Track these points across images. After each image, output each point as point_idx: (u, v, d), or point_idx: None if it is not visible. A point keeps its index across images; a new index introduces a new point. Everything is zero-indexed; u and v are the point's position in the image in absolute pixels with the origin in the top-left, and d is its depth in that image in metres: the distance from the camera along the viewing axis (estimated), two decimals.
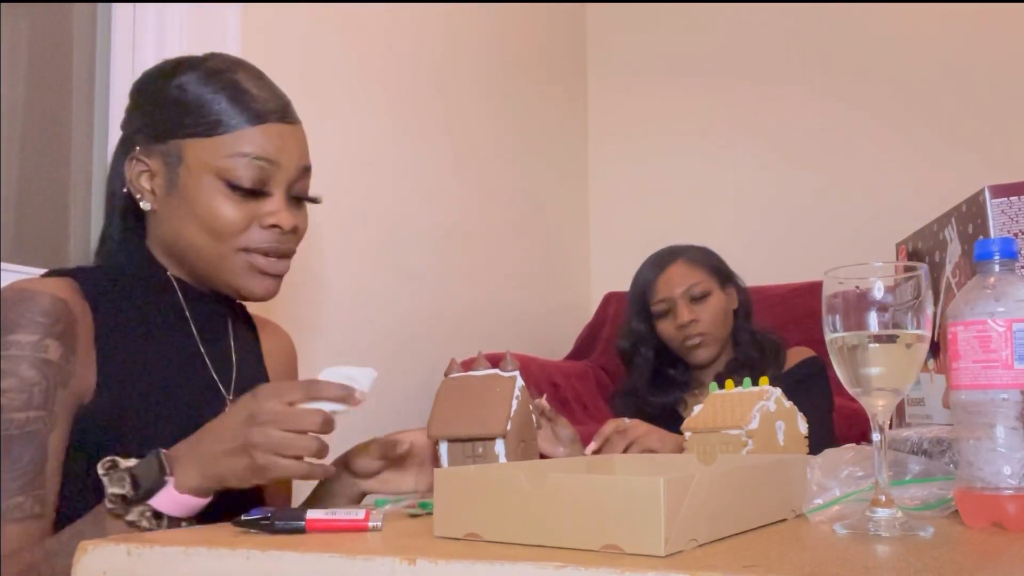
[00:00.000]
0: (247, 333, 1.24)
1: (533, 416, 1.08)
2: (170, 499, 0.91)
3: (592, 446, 1.41)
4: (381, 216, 2.16)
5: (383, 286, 2.16)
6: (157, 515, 0.92)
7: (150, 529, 0.91)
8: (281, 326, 1.35)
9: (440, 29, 2.42)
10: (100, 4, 1.66)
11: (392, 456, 1.15)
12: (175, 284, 1.12)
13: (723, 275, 1.99)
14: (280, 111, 1.10)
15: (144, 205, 1.09)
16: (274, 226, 1.08)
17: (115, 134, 1.64)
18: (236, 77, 1.09)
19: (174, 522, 0.93)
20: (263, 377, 1.24)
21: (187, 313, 1.12)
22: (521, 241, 2.78)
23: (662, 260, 2.01)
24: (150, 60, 1.64)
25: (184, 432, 0.99)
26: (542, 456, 1.39)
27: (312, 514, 0.77)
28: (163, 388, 1.07)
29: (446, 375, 1.09)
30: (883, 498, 0.74)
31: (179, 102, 1.07)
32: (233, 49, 1.68)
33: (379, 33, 2.17)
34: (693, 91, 3.07)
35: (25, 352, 0.96)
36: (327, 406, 0.92)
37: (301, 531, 0.76)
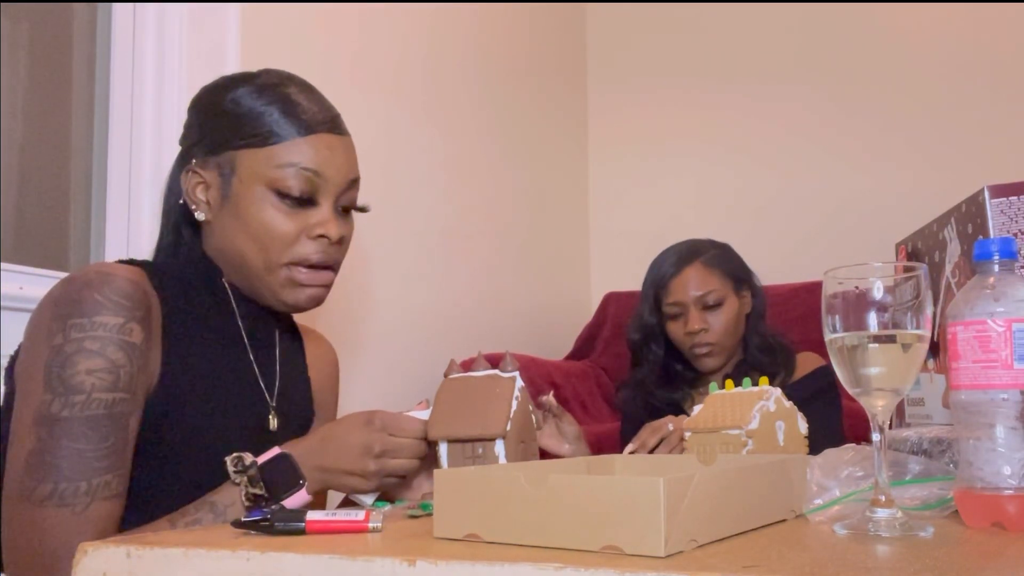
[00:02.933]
0: (293, 342, 1.27)
1: (533, 416, 1.08)
2: (298, 500, 0.99)
3: (630, 448, 1.41)
4: (381, 216, 2.15)
5: (383, 286, 2.16)
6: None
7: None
8: (325, 336, 1.37)
9: (440, 29, 2.42)
10: (100, 4, 1.66)
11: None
12: (229, 291, 1.14)
13: (740, 279, 1.94)
14: (329, 123, 1.12)
15: (199, 216, 1.11)
16: (322, 236, 1.10)
17: (116, 134, 1.65)
18: (288, 90, 1.12)
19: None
20: (306, 386, 1.26)
21: (239, 321, 1.15)
22: (521, 241, 2.78)
23: (680, 259, 1.94)
24: (150, 60, 1.65)
25: (227, 433, 1.06)
26: (547, 453, 1.39)
27: (312, 515, 0.77)
28: (214, 388, 1.09)
29: (446, 375, 1.09)
30: (883, 498, 0.74)
31: (233, 115, 1.10)
32: (232, 49, 1.69)
33: (379, 33, 2.17)
34: (693, 92, 3.07)
35: (112, 334, 0.98)
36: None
37: (301, 532, 0.76)
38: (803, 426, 1.13)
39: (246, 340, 1.15)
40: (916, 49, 2.77)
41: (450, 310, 2.39)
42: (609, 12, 3.22)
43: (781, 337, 1.96)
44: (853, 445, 0.90)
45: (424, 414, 1.05)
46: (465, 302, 2.46)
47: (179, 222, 1.15)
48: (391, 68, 2.21)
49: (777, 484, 0.81)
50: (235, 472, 0.99)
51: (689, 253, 1.95)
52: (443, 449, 1.03)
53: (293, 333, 1.28)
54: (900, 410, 1.24)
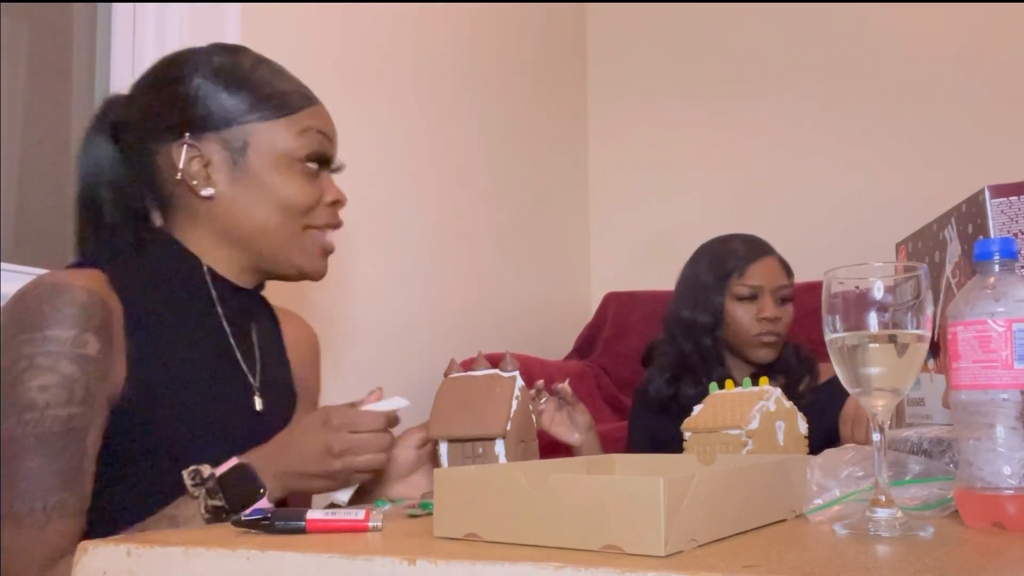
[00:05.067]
0: (270, 324, 1.25)
1: (533, 416, 1.08)
2: (259, 507, 0.96)
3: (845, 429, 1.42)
4: (380, 215, 2.16)
5: (383, 286, 2.16)
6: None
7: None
8: (303, 317, 1.35)
9: (440, 29, 2.42)
10: (100, 4, 1.66)
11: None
12: (207, 276, 1.11)
13: (793, 287, 1.96)
14: (312, 94, 1.16)
15: (206, 192, 1.09)
16: (336, 201, 1.15)
17: None
18: (273, 65, 1.15)
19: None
20: (286, 369, 1.25)
21: (218, 307, 1.12)
22: (521, 241, 2.78)
23: (759, 247, 1.93)
24: (150, 60, 1.64)
25: (214, 425, 1.04)
26: (557, 441, 1.38)
27: (312, 514, 0.77)
28: (194, 380, 1.07)
29: (446, 375, 1.09)
30: (883, 498, 0.74)
31: (241, 88, 1.10)
32: None
33: (379, 33, 2.17)
34: (693, 92, 3.07)
35: (65, 348, 0.95)
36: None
37: (301, 531, 0.76)
38: (803, 426, 1.13)
39: (225, 325, 1.13)
40: (916, 49, 2.77)
41: (450, 310, 2.39)
42: (609, 12, 3.22)
43: (803, 346, 1.97)
44: (853, 445, 0.90)
45: (381, 405, 1.03)
46: (465, 302, 2.46)
47: (135, 201, 1.12)
48: (391, 68, 2.21)
49: (777, 484, 0.81)
50: (192, 485, 0.96)
51: (765, 244, 1.95)
52: (443, 448, 1.03)
53: (270, 316, 1.26)
54: (900, 410, 1.24)
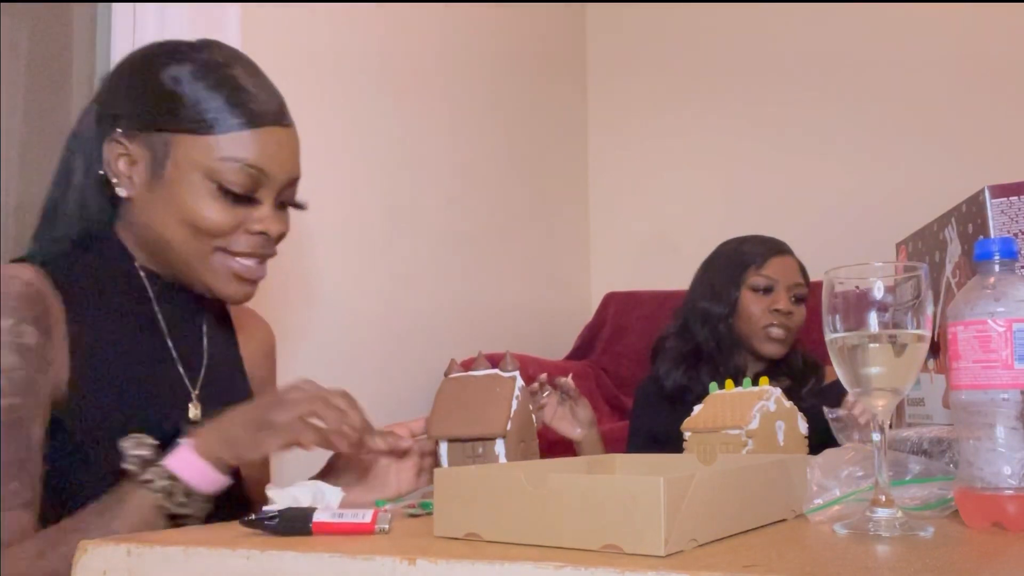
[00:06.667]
0: (221, 325, 1.20)
1: (533, 416, 1.08)
2: (185, 461, 0.92)
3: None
4: (380, 216, 2.16)
5: (383, 286, 2.16)
6: (187, 493, 0.92)
7: (175, 506, 0.91)
8: (259, 314, 1.30)
9: (440, 29, 2.42)
10: (100, 4, 1.66)
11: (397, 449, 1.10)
12: (143, 276, 1.08)
13: (808, 290, 1.98)
14: (276, 113, 1.06)
15: (120, 191, 1.04)
16: (262, 232, 1.05)
17: None
18: (234, 72, 1.04)
19: (195, 504, 0.92)
20: (238, 370, 1.20)
21: (155, 307, 1.08)
22: (521, 241, 2.78)
23: (777, 244, 1.98)
24: None
25: (146, 426, 0.99)
26: (558, 440, 1.38)
27: (318, 516, 0.76)
28: (130, 385, 1.03)
29: (446, 375, 1.09)
30: (883, 498, 0.74)
31: (173, 94, 1.02)
32: None
33: (379, 33, 2.17)
34: (693, 92, 3.07)
35: (2, 337, 0.92)
36: None
37: (307, 533, 0.76)
38: (803, 426, 1.13)
39: (164, 326, 1.09)
40: (916, 49, 2.77)
41: (450, 310, 2.39)
42: (609, 12, 3.22)
43: (810, 352, 1.98)
44: (853, 445, 0.90)
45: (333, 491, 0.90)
46: (465, 302, 2.46)
47: (87, 192, 1.06)
48: (390, 68, 2.21)
49: (777, 484, 0.81)
50: (127, 447, 0.95)
51: (785, 244, 2.00)
52: (443, 448, 1.03)
53: (221, 314, 1.21)
54: (900, 410, 1.24)
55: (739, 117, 2.99)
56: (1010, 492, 0.75)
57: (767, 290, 1.92)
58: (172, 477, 0.92)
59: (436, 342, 2.28)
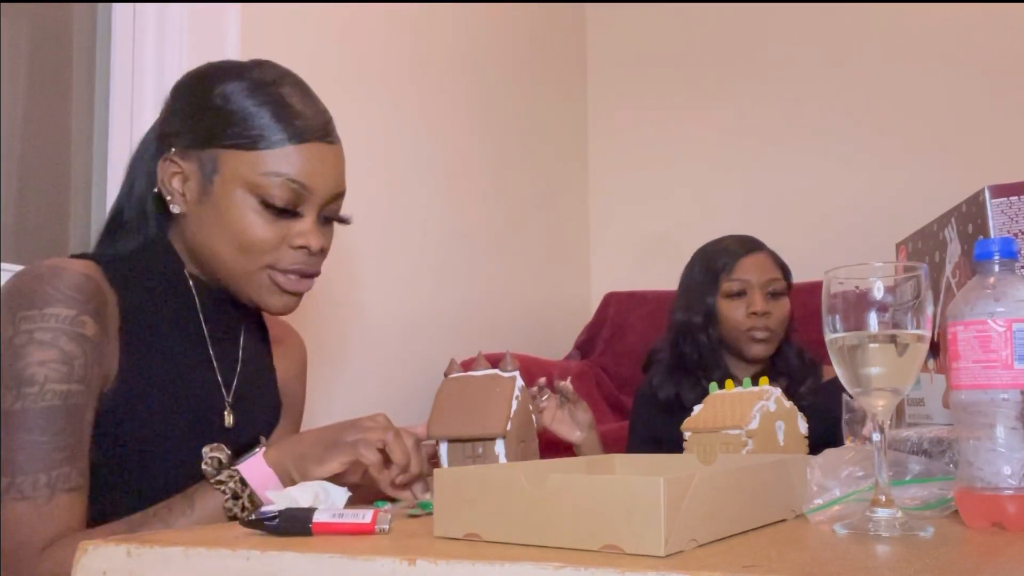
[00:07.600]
0: (258, 336, 1.24)
1: (533, 416, 1.08)
2: (257, 469, 0.98)
3: None
4: (380, 216, 2.16)
5: (383, 286, 2.16)
6: (252, 499, 0.98)
7: (239, 510, 0.97)
8: (294, 328, 1.34)
9: (440, 29, 2.42)
10: (100, 4, 1.66)
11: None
12: (191, 283, 1.12)
13: (789, 283, 1.97)
14: (321, 130, 1.09)
15: (174, 208, 1.09)
16: (303, 247, 1.08)
17: (116, 134, 1.64)
18: (282, 90, 1.08)
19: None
20: (271, 381, 1.24)
21: (200, 314, 1.12)
22: (521, 241, 2.78)
23: (747, 243, 1.96)
24: (150, 60, 1.65)
25: (184, 430, 1.05)
26: (557, 441, 1.38)
27: (319, 516, 0.77)
28: (169, 384, 1.07)
29: (446, 375, 1.09)
30: (883, 498, 0.74)
31: (221, 111, 1.06)
32: (232, 49, 1.69)
33: (379, 33, 2.17)
34: (693, 91, 3.07)
35: (64, 325, 0.96)
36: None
37: (307, 533, 0.76)
38: (803, 426, 1.13)
39: (206, 333, 1.13)
40: (916, 49, 2.77)
41: (450, 310, 2.39)
42: (609, 12, 3.22)
43: (807, 349, 1.97)
44: (853, 445, 0.90)
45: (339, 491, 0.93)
46: (465, 302, 2.46)
47: (147, 206, 1.11)
48: (391, 68, 2.21)
49: (777, 484, 0.81)
50: (206, 451, 1.02)
51: (755, 241, 1.98)
52: (443, 448, 1.03)
53: (258, 324, 1.25)
54: (900, 410, 1.24)
55: (739, 117, 2.99)
56: (1010, 492, 0.75)
57: (741, 293, 1.91)
58: (243, 482, 0.98)
59: (436, 342, 2.28)
